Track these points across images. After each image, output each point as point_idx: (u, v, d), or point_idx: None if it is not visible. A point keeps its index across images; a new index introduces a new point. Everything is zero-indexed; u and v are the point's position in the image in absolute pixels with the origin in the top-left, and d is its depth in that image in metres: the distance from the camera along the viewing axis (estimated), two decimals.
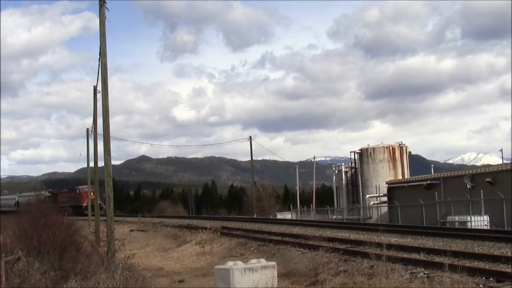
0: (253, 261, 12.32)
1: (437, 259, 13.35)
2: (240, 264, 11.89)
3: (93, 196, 49.78)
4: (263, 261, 12.27)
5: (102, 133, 17.53)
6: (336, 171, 58.96)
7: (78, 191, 65.35)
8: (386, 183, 47.93)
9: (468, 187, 35.86)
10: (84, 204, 55.79)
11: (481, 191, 33.26)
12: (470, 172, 39.09)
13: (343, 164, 60.99)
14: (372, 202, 50.78)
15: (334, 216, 51.05)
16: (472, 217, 29.70)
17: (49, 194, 66.62)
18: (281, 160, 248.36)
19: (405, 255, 14.19)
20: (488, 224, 29.57)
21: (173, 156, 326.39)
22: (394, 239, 18.30)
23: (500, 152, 57.55)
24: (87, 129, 40.05)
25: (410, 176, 51.51)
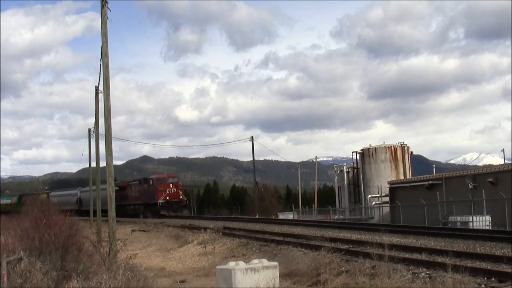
0: (255, 261, 12.31)
1: (439, 259, 13.34)
2: (242, 264, 11.88)
3: (175, 190, 45.37)
4: (265, 261, 12.26)
5: (104, 133, 17.54)
6: (338, 171, 58.96)
7: (151, 182, 48.39)
8: (388, 183, 47.92)
9: (470, 187, 35.80)
10: (161, 201, 45.05)
11: (483, 191, 33.24)
12: (472, 172, 39.06)
13: (345, 164, 60.98)
14: (374, 202, 50.75)
15: (336, 216, 51.02)
16: (474, 217, 29.67)
17: (116, 188, 57.05)
18: (283, 160, 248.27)
19: (407, 255, 14.18)
20: (490, 224, 29.54)
21: (175, 156, 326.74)
22: (396, 239, 18.28)
23: (502, 152, 57.48)
24: (89, 129, 40.08)
25: (412, 176, 51.49)
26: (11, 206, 77.41)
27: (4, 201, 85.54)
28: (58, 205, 70.32)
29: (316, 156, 74.68)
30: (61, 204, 66.73)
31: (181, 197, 46.29)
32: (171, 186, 46.12)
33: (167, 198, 45.50)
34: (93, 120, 35.14)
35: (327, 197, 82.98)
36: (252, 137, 59.41)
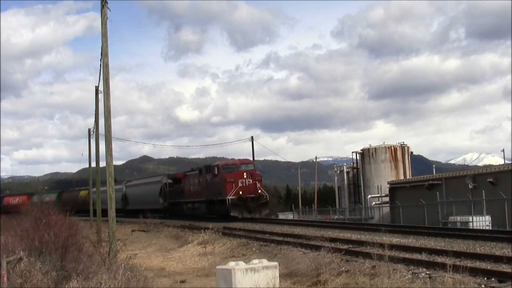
0: (255, 261, 12.31)
1: (439, 259, 13.34)
2: (242, 264, 11.89)
3: (250, 182, 32.92)
4: (265, 261, 12.26)
5: (104, 133, 17.55)
6: (338, 171, 58.96)
7: (217, 171, 34.49)
8: (388, 184, 47.91)
9: (470, 187, 35.81)
10: (231, 197, 32.20)
11: (483, 191, 33.23)
12: (472, 172, 39.04)
13: (345, 164, 60.98)
14: (374, 203, 50.74)
15: (336, 216, 51.01)
16: (474, 218, 29.68)
17: (169, 181, 43.66)
18: (283, 160, 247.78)
19: (407, 256, 14.18)
20: (490, 224, 29.55)
21: (175, 156, 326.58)
22: (396, 240, 18.27)
23: (502, 152, 57.49)
24: (89, 129, 40.10)
25: (412, 176, 51.49)
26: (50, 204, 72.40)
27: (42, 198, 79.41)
28: (101, 203, 62.05)
29: (316, 156, 74.70)
30: (103, 202, 61.25)
31: (259, 191, 33.21)
32: (245, 176, 33.17)
33: (240, 193, 32.58)
34: (93, 120, 35.17)
35: (327, 197, 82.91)
36: (252, 137, 59.40)
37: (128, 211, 52.46)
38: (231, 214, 31.98)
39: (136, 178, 66.45)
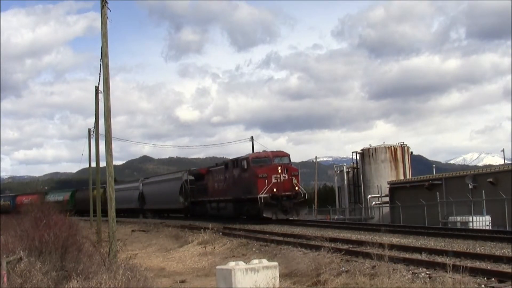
0: (255, 261, 12.31)
1: (439, 259, 13.34)
2: (242, 264, 11.89)
3: (286, 178, 28.92)
4: (265, 261, 12.27)
5: (104, 133, 17.55)
6: (338, 171, 58.92)
7: (246, 165, 30.42)
8: (388, 184, 47.91)
9: (470, 187, 35.82)
10: (263, 195, 28.11)
11: (483, 191, 33.24)
12: (472, 172, 39.04)
13: (345, 164, 60.95)
14: (374, 203, 50.73)
15: (336, 216, 51.00)
16: (474, 218, 29.70)
17: (191, 177, 39.75)
18: None
19: (407, 256, 14.18)
20: (490, 224, 29.56)
21: (175, 156, 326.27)
22: (396, 240, 18.28)
23: (502, 152, 57.48)
24: (89, 129, 40.09)
25: (412, 176, 51.48)
26: (63, 204, 61.14)
27: (55, 197, 71.07)
28: (115, 202, 59.51)
29: (316, 156, 74.65)
30: (119, 201, 56.93)
31: (296, 188, 29.20)
32: (279, 171, 28.96)
33: (274, 190, 28.56)
34: (93, 120, 35.16)
35: (327, 197, 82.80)
36: (252, 137, 59.36)
37: (146, 211, 48.12)
38: (264, 215, 28.29)
39: (155, 175, 60.84)
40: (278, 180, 28.75)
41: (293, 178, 29.25)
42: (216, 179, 34.95)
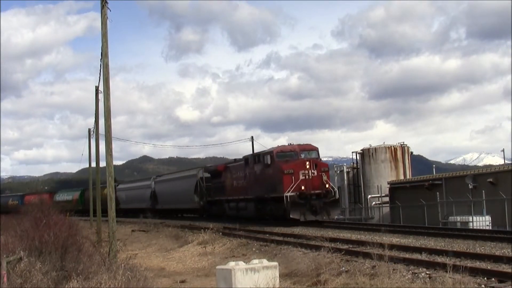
0: (255, 261, 12.32)
1: (439, 259, 13.34)
2: (242, 264, 11.89)
3: (315, 174, 26.33)
4: (265, 262, 12.27)
5: (104, 134, 17.55)
6: (338, 171, 58.91)
7: (270, 160, 27.62)
8: (388, 184, 47.89)
9: (470, 187, 35.78)
10: (289, 194, 25.58)
11: (483, 191, 33.22)
12: (472, 172, 39.02)
13: (345, 164, 60.90)
14: (374, 203, 50.70)
15: (336, 216, 50.94)
16: (474, 218, 29.67)
17: (206, 175, 37.37)
18: None
19: (407, 256, 14.19)
20: (490, 224, 29.54)
21: (175, 156, 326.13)
22: (396, 240, 18.28)
23: (502, 152, 57.44)
24: (89, 129, 40.10)
25: (412, 176, 51.45)
26: (72, 203, 62.32)
27: (64, 197, 69.04)
28: (126, 202, 52.65)
29: None
30: (130, 200, 52.26)
31: (327, 185, 26.60)
32: (307, 167, 26.28)
33: (302, 188, 25.97)
34: (93, 120, 35.16)
35: None
36: (252, 137, 59.32)
37: (158, 211, 46.25)
38: (290, 216, 25.60)
39: (168, 173, 56.93)
40: (306, 177, 26.29)
41: (323, 174, 26.89)
42: (235, 176, 32.36)
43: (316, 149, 28.55)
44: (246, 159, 30.99)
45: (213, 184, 36.08)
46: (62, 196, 69.76)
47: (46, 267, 12.62)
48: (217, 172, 35.30)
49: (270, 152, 28.14)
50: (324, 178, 26.72)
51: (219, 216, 34.91)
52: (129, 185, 57.21)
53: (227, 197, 33.41)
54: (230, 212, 33.39)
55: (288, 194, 25.59)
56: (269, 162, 27.63)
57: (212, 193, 36.26)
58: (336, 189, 27.75)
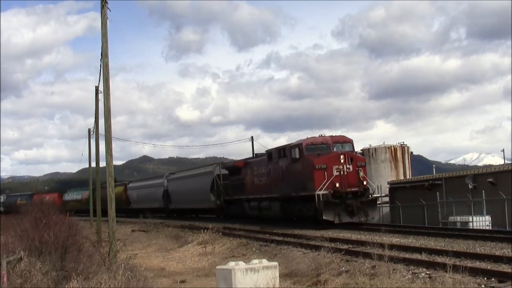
0: (255, 261, 12.32)
1: (439, 259, 13.35)
2: (242, 264, 11.89)
3: (350, 170, 23.83)
4: (265, 262, 12.27)
5: (104, 134, 17.55)
6: None
7: (298, 154, 24.74)
8: (388, 184, 47.87)
9: (470, 187, 35.75)
10: (322, 192, 22.88)
11: (483, 191, 33.20)
12: (472, 172, 39.01)
13: None
14: None
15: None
16: (474, 218, 29.66)
17: (224, 172, 34.81)
18: None
19: (407, 256, 14.19)
20: (490, 224, 29.53)
21: (175, 156, 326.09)
22: (396, 240, 18.28)
23: (502, 152, 57.44)
24: (89, 130, 40.10)
25: (412, 176, 51.44)
26: (82, 203, 60.63)
27: (73, 196, 68.04)
28: (137, 201, 50.63)
29: None
30: (141, 200, 50.36)
31: (364, 182, 24.16)
32: (342, 161, 23.58)
33: (336, 185, 23.28)
34: (93, 120, 35.16)
35: None
36: (252, 137, 59.28)
37: (171, 211, 44.15)
38: (323, 217, 22.96)
39: (182, 170, 53.87)
40: (341, 173, 23.59)
41: (360, 170, 24.16)
42: (256, 173, 29.40)
43: (350, 141, 25.73)
44: (269, 153, 28.12)
45: (231, 182, 33.40)
46: (71, 196, 68.64)
47: (46, 267, 12.63)
48: (235, 169, 32.51)
49: (298, 145, 25.03)
50: (361, 174, 24.14)
51: (238, 217, 32.30)
52: (140, 183, 54.61)
53: (247, 196, 30.57)
54: (251, 212, 30.72)
55: (320, 192, 22.95)
56: (297, 156, 24.74)
57: (231, 191, 33.64)
58: (374, 186, 25.09)
